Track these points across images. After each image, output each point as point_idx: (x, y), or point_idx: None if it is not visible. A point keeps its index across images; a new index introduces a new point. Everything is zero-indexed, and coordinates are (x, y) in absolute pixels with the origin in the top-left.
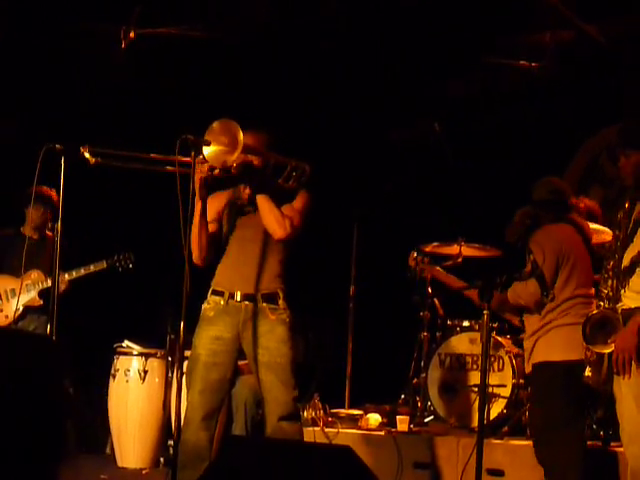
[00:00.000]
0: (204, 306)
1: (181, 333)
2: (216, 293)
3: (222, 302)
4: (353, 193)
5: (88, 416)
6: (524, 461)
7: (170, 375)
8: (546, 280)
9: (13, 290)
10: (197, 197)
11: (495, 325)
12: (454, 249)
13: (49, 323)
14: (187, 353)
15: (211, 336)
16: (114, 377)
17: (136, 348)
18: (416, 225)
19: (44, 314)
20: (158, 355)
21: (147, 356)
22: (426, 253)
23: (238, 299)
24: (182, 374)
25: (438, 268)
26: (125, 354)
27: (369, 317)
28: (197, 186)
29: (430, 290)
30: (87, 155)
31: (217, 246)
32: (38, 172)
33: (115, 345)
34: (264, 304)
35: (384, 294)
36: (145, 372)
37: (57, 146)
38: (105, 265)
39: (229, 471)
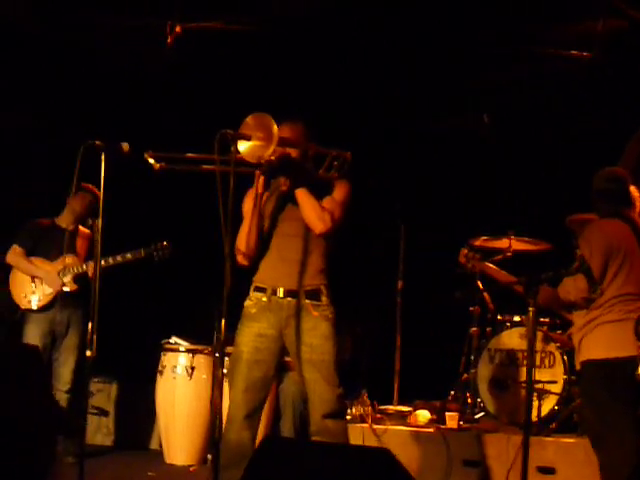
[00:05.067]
0: (246, 303)
1: (222, 331)
2: (258, 290)
3: (264, 299)
4: (401, 186)
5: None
6: (575, 458)
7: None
8: (593, 275)
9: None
10: (254, 194)
11: (547, 320)
12: (504, 243)
13: (90, 320)
14: (230, 349)
15: (254, 333)
16: (161, 373)
17: (183, 344)
18: (465, 218)
19: (80, 308)
20: (205, 351)
21: (194, 352)
22: (477, 249)
23: (281, 295)
24: (224, 373)
25: (489, 264)
26: (172, 350)
27: (418, 312)
28: (257, 184)
29: (480, 284)
30: (151, 161)
31: (262, 244)
32: (78, 167)
33: (162, 341)
34: (307, 300)
35: (433, 288)
36: (192, 369)
37: (97, 142)
38: (143, 254)
39: (265, 473)
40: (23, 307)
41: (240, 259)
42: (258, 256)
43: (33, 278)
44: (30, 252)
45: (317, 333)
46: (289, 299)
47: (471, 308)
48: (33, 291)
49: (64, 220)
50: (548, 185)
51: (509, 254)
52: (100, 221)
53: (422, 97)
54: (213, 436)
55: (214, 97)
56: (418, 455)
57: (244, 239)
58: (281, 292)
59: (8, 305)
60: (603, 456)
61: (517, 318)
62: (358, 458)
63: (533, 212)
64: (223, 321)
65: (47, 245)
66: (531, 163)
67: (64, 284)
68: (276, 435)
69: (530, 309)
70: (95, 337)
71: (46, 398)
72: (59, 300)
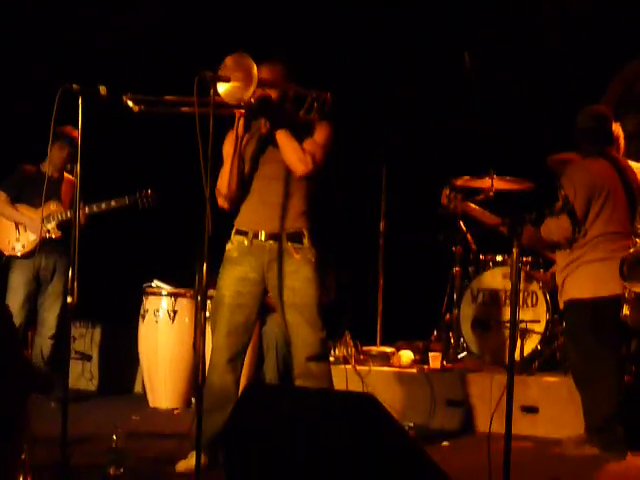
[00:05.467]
0: (228, 246)
1: (204, 274)
2: (240, 233)
3: (246, 242)
4: (383, 126)
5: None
6: (558, 397)
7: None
8: (577, 215)
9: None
10: (235, 136)
11: (529, 259)
12: (486, 182)
13: (70, 266)
14: (212, 293)
15: (235, 277)
16: (143, 317)
17: (165, 288)
18: (447, 158)
19: (65, 254)
20: (187, 295)
21: (176, 296)
22: (459, 189)
23: (262, 239)
24: (206, 318)
25: (471, 204)
26: (154, 294)
27: (400, 252)
28: (237, 126)
29: (462, 225)
30: (130, 103)
31: (243, 187)
32: (55, 113)
33: (144, 285)
34: (289, 243)
35: (415, 229)
36: (175, 312)
37: (74, 86)
38: (127, 201)
39: (249, 419)
40: (7, 253)
41: (221, 202)
42: (239, 199)
43: (17, 225)
44: (15, 199)
45: (299, 276)
46: (271, 242)
47: (453, 248)
48: (17, 238)
49: (48, 167)
50: (530, 123)
51: (491, 194)
52: (78, 166)
53: (405, 36)
54: (196, 380)
55: (194, 39)
56: (401, 396)
57: (225, 182)
58: (263, 235)
59: None
60: (586, 395)
61: (499, 258)
62: (342, 403)
63: (515, 151)
64: (205, 264)
65: (31, 192)
66: (514, 101)
67: (48, 231)
68: (260, 381)
69: (514, 250)
70: (76, 284)
71: (18, 360)
72: (44, 247)
